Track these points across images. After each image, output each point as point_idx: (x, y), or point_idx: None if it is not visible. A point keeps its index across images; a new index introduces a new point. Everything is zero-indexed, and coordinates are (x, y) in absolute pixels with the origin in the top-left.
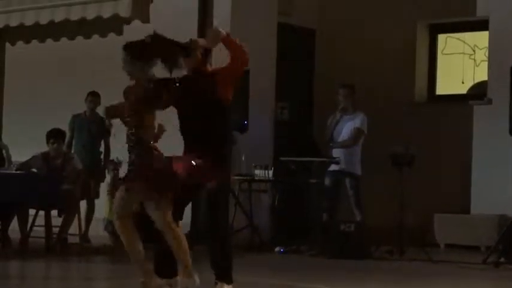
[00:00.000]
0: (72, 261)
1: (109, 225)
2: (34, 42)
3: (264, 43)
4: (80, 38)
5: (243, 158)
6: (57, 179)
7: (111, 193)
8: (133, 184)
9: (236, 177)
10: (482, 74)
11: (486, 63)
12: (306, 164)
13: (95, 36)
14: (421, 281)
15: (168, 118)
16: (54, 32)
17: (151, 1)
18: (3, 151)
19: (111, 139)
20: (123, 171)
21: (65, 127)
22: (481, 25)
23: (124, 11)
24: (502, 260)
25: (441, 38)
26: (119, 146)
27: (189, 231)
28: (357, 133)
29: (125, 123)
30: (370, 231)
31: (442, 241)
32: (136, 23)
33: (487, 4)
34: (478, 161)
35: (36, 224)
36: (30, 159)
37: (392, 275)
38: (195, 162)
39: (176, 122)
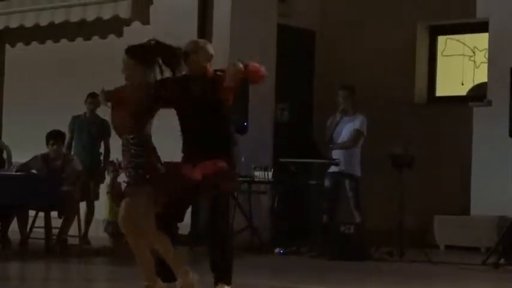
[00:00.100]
0: (72, 262)
1: (109, 226)
2: (34, 43)
3: (263, 44)
4: (79, 40)
5: (243, 159)
6: (57, 181)
7: (111, 194)
8: (139, 189)
9: None
10: (482, 76)
11: (486, 64)
12: (305, 166)
13: (95, 38)
14: (421, 283)
15: (165, 119)
16: (54, 34)
17: (152, 2)
18: (4, 152)
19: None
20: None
21: (64, 128)
22: (480, 27)
23: (124, 12)
24: (502, 261)
25: (441, 39)
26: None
27: (189, 232)
28: (357, 135)
29: (125, 129)
30: (370, 233)
31: (442, 242)
32: (136, 24)
33: (486, 6)
34: (477, 163)
35: (36, 225)
36: (30, 160)
37: (392, 276)
38: (219, 165)
39: (173, 123)
